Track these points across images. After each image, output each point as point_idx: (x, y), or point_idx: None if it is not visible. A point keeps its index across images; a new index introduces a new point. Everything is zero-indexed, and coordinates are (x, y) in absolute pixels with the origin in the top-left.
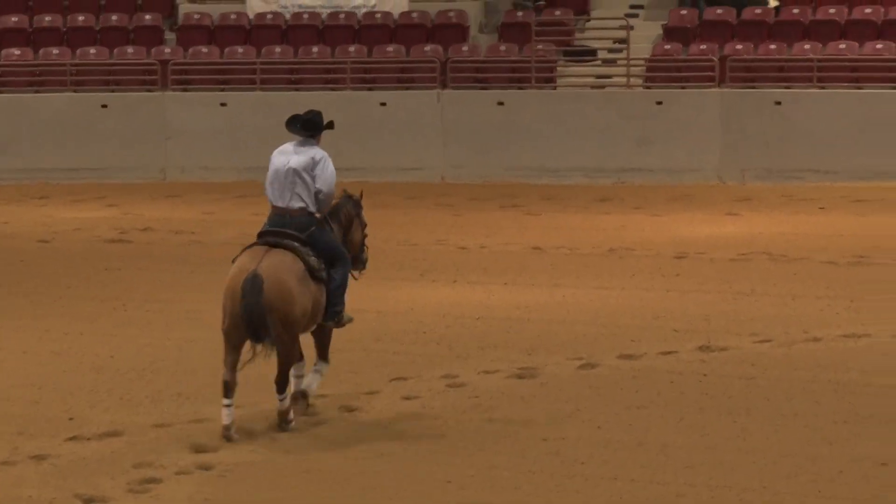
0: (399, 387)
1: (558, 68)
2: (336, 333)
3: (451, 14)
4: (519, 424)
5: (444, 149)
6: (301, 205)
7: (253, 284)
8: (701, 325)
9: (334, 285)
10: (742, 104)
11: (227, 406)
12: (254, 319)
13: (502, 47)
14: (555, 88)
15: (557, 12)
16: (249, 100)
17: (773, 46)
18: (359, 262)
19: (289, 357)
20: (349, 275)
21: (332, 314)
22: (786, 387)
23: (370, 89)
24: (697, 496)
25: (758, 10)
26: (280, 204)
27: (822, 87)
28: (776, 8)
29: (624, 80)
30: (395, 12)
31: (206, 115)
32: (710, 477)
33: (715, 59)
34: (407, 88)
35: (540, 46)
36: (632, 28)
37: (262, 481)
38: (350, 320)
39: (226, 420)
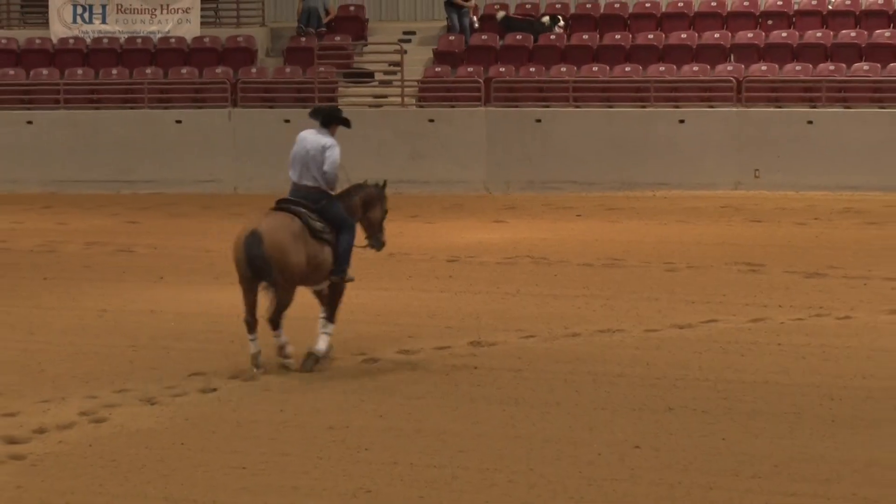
0: (197, 381)
1: (339, 89)
2: (137, 335)
3: (240, 39)
4: (307, 414)
5: (235, 163)
6: (313, 183)
7: (253, 238)
8: (472, 322)
9: (341, 248)
10: (506, 122)
11: (252, 340)
12: (257, 266)
13: (288, 69)
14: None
15: (338, 37)
16: (54, 118)
17: (532, 69)
18: (376, 240)
19: (283, 300)
20: (353, 241)
21: (338, 271)
22: (549, 378)
23: (166, 108)
24: (470, 479)
25: (552, 36)
26: (296, 180)
27: (577, 107)
28: (565, 31)
29: (399, 99)
30: (189, 37)
31: (14, 133)
32: (482, 461)
33: (481, 80)
34: (200, 107)
35: (322, 69)
36: (405, 52)
37: (69, 470)
38: (351, 279)
39: (252, 350)
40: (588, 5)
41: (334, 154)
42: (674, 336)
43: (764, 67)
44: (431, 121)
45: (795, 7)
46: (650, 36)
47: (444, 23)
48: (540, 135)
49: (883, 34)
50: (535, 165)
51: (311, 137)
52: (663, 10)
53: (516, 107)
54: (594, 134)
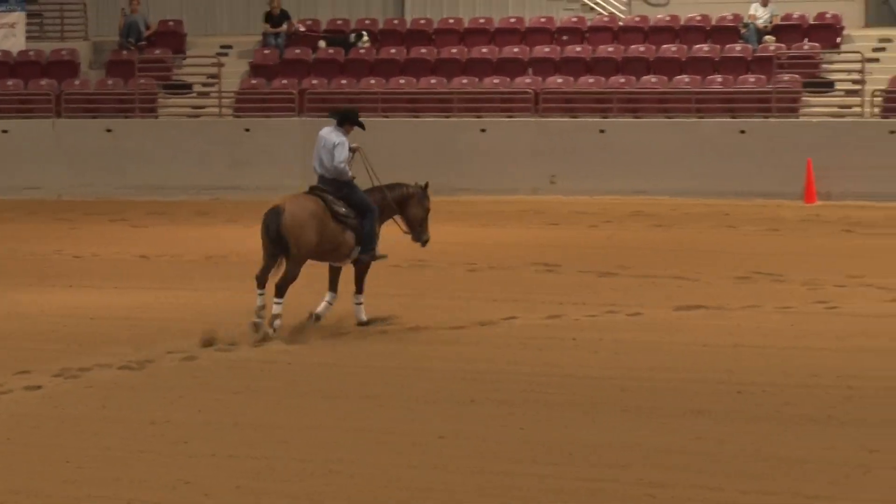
0: (23, 379)
1: (159, 100)
2: None
3: (64, 52)
4: (130, 410)
5: (60, 170)
6: (329, 174)
7: (275, 214)
8: (286, 320)
9: (365, 231)
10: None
11: (260, 294)
12: (274, 237)
13: (109, 81)
14: (157, 117)
15: (157, 51)
16: None
17: (343, 81)
18: (417, 235)
19: (291, 271)
20: (376, 224)
21: (366, 250)
22: (362, 372)
23: None
24: (287, 469)
25: (361, 50)
26: (318, 171)
27: (386, 116)
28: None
29: (216, 110)
30: (14, 50)
31: None
32: (299, 452)
33: (295, 92)
34: (26, 118)
35: (142, 81)
36: (222, 65)
37: None
38: (384, 257)
39: (258, 303)
40: (395, 21)
41: (341, 151)
42: (477, 332)
43: (560, 80)
44: (248, 130)
45: (589, 23)
46: (454, 50)
47: (260, 37)
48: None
49: (670, 49)
50: None
51: (327, 135)
52: (466, 25)
53: (328, 117)
54: (401, 142)
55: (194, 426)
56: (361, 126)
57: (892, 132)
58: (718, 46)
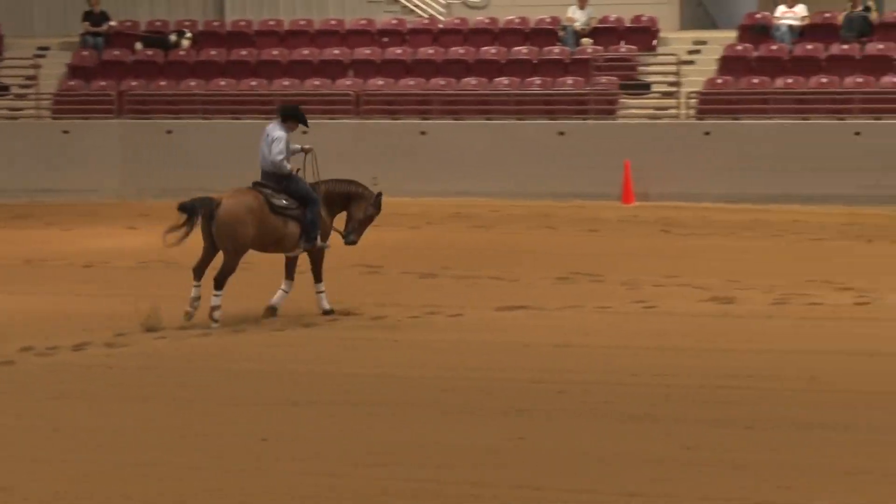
0: None
1: None
2: None
3: None
4: None
5: None
6: (270, 167)
7: (207, 205)
8: (107, 323)
9: (307, 220)
10: (139, 133)
11: (196, 286)
12: (210, 231)
13: None
14: None
15: None
16: None
17: (164, 83)
18: (347, 234)
19: (228, 264)
20: (318, 214)
21: (308, 240)
22: (181, 375)
23: None
24: (107, 473)
25: (181, 52)
26: (261, 165)
27: (208, 119)
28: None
29: (34, 112)
30: None
31: None
32: (119, 456)
33: (114, 93)
34: None
35: None
36: (40, 66)
37: None
38: (325, 247)
39: (193, 294)
40: (215, 23)
41: (278, 145)
42: (299, 334)
43: (381, 82)
44: (66, 132)
45: (409, 25)
46: (274, 52)
47: (78, 38)
48: (171, 145)
49: (489, 51)
50: (168, 174)
51: (270, 130)
52: (286, 27)
53: (148, 119)
54: (223, 144)
55: (14, 431)
56: (304, 123)
57: (706, 133)
58: (537, 49)
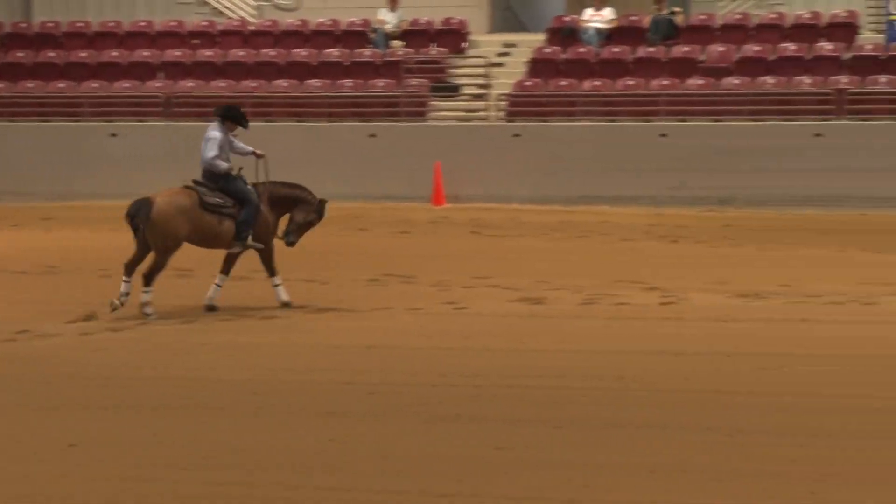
0: None
1: None
2: None
3: None
4: None
5: None
6: (205, 166)
7: (143, 204)
8: None
9: (240, 220)
10: None
11: (125, 281)
12: (140, 230)
13: None
14: None
15: None
16: None
17: (30, 84)
18: (287, 235)
19: (159, 261)
20: (253, 215)
21: (239, 238)
22: None
23: None
24: None
25: (20, 54)
26: (200, 164)
27: (13, 121)
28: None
29: None
30: None
31: None
32: None
33: None
34: None
35: None
36: None
37: None
38: (255, 247)
39: (123, 289)
40: (23, 24)
41: (212, 145)
42: (109, 338)
43: (191, 84)
44: None
45: (219, 27)
46: (83, 54)
47: None
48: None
49: (300, 53)
50: None
51: (208, 130)
52: (95, 28)
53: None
54: (30, 146)
55: None
56: (242, 123)
57: (515, 135)
58: (348, 51)
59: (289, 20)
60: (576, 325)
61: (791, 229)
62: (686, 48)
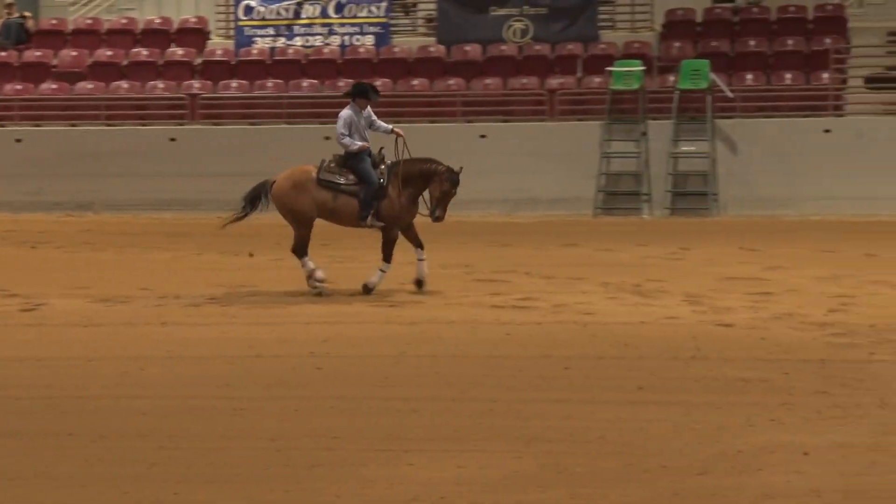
0: None
1: None
2: None
3: None
4: None
5: None
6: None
7: (266, 187)
8: None
9: (361, 198)
10: None
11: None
12: (258, 205)
13: None
14: None
15: None
16: None
17: None
18: (432, 212)
19: (296, 234)
20: (373, 195)
21: (361, 217)
22: None
23: None
24: None
25: None
26: None
27: None
28: None
29: None
30: None
31: None
32: None
33: None
34: None
35: None
36: None
37: None
38: (374, 226)
39: (310, 266)
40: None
41: (338, 123)
42: None
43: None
44: None
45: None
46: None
47: None
48: None
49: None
50: None
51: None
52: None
53: None
54: None
55: None
56: (371, 97)
57: None
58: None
59: None
60: None
61: (149, 233)
62: (38, 52)
